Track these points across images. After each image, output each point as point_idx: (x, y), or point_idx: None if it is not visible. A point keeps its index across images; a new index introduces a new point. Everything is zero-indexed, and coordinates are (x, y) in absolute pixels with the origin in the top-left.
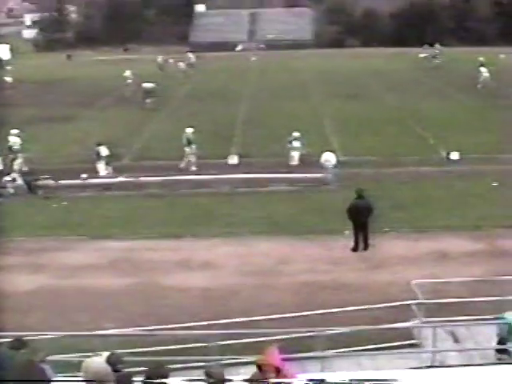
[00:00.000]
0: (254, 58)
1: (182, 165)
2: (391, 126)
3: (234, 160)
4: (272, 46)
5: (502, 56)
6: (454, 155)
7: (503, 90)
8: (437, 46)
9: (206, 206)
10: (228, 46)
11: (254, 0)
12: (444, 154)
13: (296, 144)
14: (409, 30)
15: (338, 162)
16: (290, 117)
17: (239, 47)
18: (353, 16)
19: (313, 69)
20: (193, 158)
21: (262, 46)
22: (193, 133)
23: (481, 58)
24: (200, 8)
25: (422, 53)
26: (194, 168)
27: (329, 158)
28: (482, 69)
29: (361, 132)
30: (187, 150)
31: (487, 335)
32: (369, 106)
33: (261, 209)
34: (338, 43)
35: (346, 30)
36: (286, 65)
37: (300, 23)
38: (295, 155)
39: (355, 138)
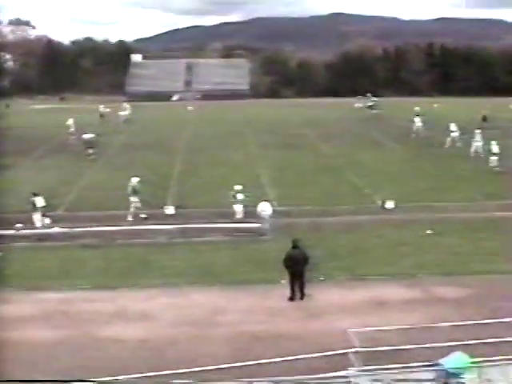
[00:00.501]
0: (190, 108)
1: (130, 217)
2: (327, 176)
3: (170, 210)
4: (209, 96)
5: (435, 106)
6: (389, 204)
7: (437, 139)
8: (369, 96)
9: (142, 257)
10: (164, 96)
11: (190, 51)
12: (379, 202)
13: (239, 197)
14: (343, 81)
15: (274, 211)
16: (227, 167)
17: (175, 97)
18: (288, 67)
19: (249, 119)
20: (139, 207)
21: (198, 96)
22: (139, 182)
23: (416, 108)
24: (136, 58)
25: (357, 103)
26: (143, 216)
27: (265, 208)
28: (416, 119)
29: (297, 181)
30: (133, 199)
31: (423, 382)
32: (305, 156)
33: (197, 259)
34: (273, 93)
35: (281, 80)
36: (222, 115)
37: (236, 74)
38: (239, 209)
39: (291, 187)
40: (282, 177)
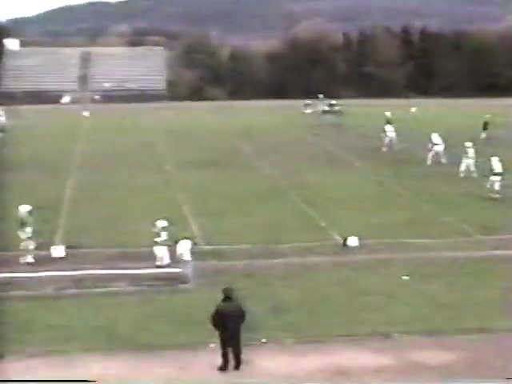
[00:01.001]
0: (86, 114)
1: (26, 259)
2: (269, 203)
3: (59, 252)
4: (111, 97)
5: (413, 110)
6: (352, 241)
7: (415, 154)
8: (321, 97)
9: (21, 315)
10: (51, 97)
11: (87, 36)
12: (339, 239)
13: (164, 236)
14: (290, 77)
15: (199, 252)
16: (135, 192)
17: (66, 98)
18: (217, 58)
19: (164, 128)
20: (30, 245)
21: (96, 97)
22: (29, 212)
23: (387, 113)
24: (12, 45)
25: (307, 107)
26: (30, 260)
27: (186, 248)
28: (388, 127)
29: (228, 211)
30: (21, 234)
31: None
32: (239, 177)
33: (95, 317)
34: (198, 94)
35: (208, 76)
36: (129, 123)
37: (149, 67)
38: (161, 253)
39: (221, 219)
40: (208, 205)
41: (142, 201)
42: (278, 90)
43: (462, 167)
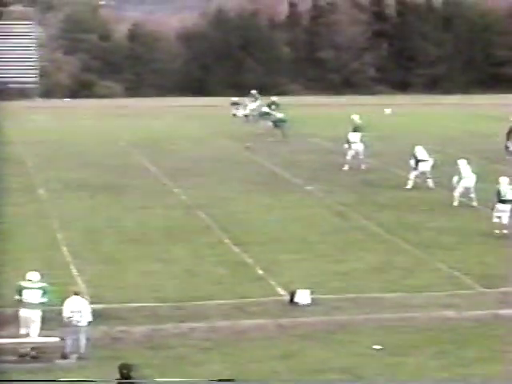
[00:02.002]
0: None
1: None
2: (183, 244)
3: None
4: None
5: (387, 111)
6: (302, 296)
7: (390, 174)
8: (256, 95)
9: None
10: None
11: None
12: (284, 293)
13: (34, 295)
14: (214, 66)
15: (92, 313)
16: None
17: None
18: (111, 38)
19: (35, 136)
20: None
21: None
22: None
23: (354, 117)
24: None
25: (236, 108)
26: None
27: (76, 308)
28: (353, 136)
29: (126, 256)
30: None
31: None
32: (140, 207)
33: None
34: (83, 89)
35: (98, 63)
36: None
37: (12, 51)
38: (32, 315)
39: (116, 267)
40: (99, 248)
41: (8, 245)
42: (196, 83)
43: (458, 191)
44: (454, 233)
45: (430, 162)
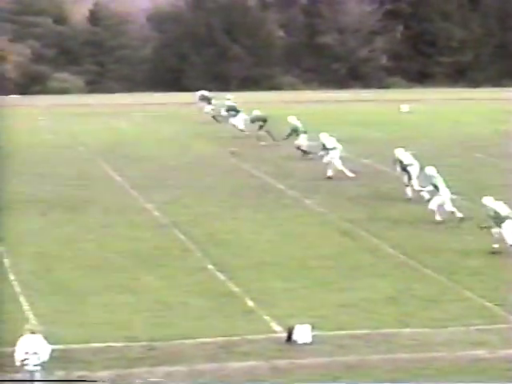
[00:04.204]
0: None
1: None
2: (157, 271)
3: None
4: None
5: (403, 108)
6: (301, 333)
7: (402, 184)
8: (229, 98)
9: None
10: None
11: None
12: (279, 329)
13: None
14: (190, 53)
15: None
16: None
17: None
18: (67, 20)
19: None
20: None
21: None
22: None
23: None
24: None
25: (206, 104)
26: None
27: (34, 349)
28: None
29: (87, 286)
30: None
31: None
32: (103, 226)
33: None
34: (34, 83)
35: (52, 52)
36: None
37: None
38: None
39: (76, 300)
40: (54, 277)
41: None
42: (170, 75)
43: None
44: (482, 254)
45: (417, 166)
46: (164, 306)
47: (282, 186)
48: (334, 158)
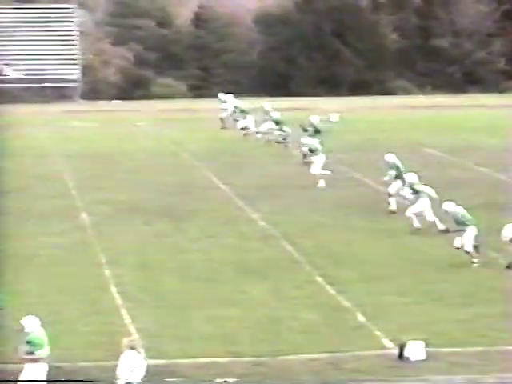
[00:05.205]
0: None
1: None
2: (262, 284)
3: None
4: None
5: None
6: (414, 349)
7: (503, 198)
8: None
9: None
10: None
11: None
12: (391, 346)
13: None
14: (303, 58)
15: (148, 370)
16: (23, 264)
17: None
18: (171, 24)
19: (77, 148)
20: None
21: None
22: None
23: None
24: None
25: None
26: None
27: (135, 365)
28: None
29: (192, 298)
30: None
31: None
32: (209, 236)
33: None
34: (137, 88)
35: (155, 56)
36: (12, 138)
37: (50, 41)
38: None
39: (179, 312)
40: (157, 288)
41: (38, 280)
42: (278, 80)
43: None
44: None
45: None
46: (271, 320)
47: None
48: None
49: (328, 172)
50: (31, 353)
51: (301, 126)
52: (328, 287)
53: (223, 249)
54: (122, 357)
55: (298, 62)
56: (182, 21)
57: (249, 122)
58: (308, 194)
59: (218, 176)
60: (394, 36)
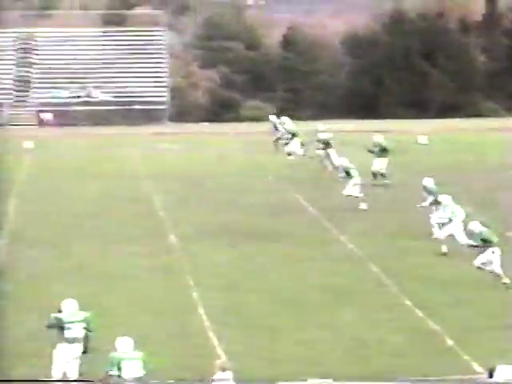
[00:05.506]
0: (28, 145)
1: None
2: (350, 304)
3: None
4: (71, 115)
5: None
6: (505, 373)
7: None
8: (282, 119)
9: None
10: None
11: (26, 8)
12: (480, 370)
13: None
14: (391, 79)
15: None
16: (111, 286)
17: None
18: (260, 45)
19: (166, 170)
20: None
21: (46, 115)
22: None
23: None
24: None
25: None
26: None
27: None
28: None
29: (282, 318)
30: None
31: None
32: (300, 259)
33: None
34: (226, 110)
35: (245, 78)
36: (103, 160)
37: (139, 64)
38: None
39: (273, 332)
40: (246, 312)
41: (126, 302)
42: (364, 101)
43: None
44: None
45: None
46: (360, 343)
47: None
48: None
49: (360, 195)
50: (119, 376)
51: (366, 148)
52: (417, 310)
53: (310, 271)
54: (213, 378)
55: (386, 83)
56: (271, 43)
57: (295, 145)
58: (393, 216)
59: (305, 197)
60: (482, 58)
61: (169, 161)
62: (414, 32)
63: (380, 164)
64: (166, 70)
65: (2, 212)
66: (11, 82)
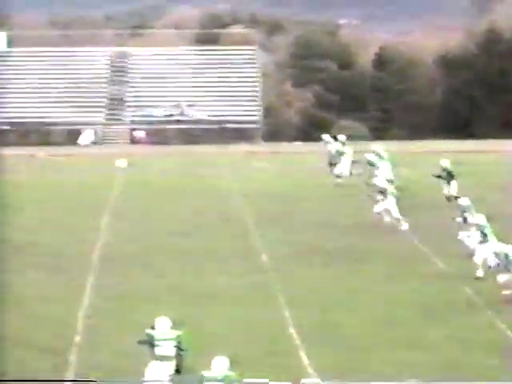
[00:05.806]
0: (121, 164)
1: None
2: (441, 324)
3: None
4: (164, 134)
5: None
6: None
7: None
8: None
9: None
10: (56, 135)
11: (121, 28)
12: None
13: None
14: (486, 100)
15: None
16: (204, 306)
17: (85, 137)
18: (354, 64)
19: (258, 189)
20: None
21: (139, 133)
22: None
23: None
24: None
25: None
26: None
27: None
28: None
29: (374, 337)
30: None
31: None
32: (389, 277)
33: None
34: (319, 130)
35: (338, 98)
36: (195, 179)
37: (232, 82)
38: None
39: (364, 352)
40: (336, 328)
41: (218, 320)
42: (458, 121)
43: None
44: None
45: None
46: (451, 365)
47: None
48: None
49: (399, 217)
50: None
51: (433, 174)
52: (509, 333)
53: (402, 290)
54: None
55: (481, 103)
56: (363, 62)
57: (343, 166)
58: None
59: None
60: None
61: (261, 180)
62: (509, 52)
63: (451, 188)
64: (259, 88)
65: (96, 227)
66: (105, 100)
